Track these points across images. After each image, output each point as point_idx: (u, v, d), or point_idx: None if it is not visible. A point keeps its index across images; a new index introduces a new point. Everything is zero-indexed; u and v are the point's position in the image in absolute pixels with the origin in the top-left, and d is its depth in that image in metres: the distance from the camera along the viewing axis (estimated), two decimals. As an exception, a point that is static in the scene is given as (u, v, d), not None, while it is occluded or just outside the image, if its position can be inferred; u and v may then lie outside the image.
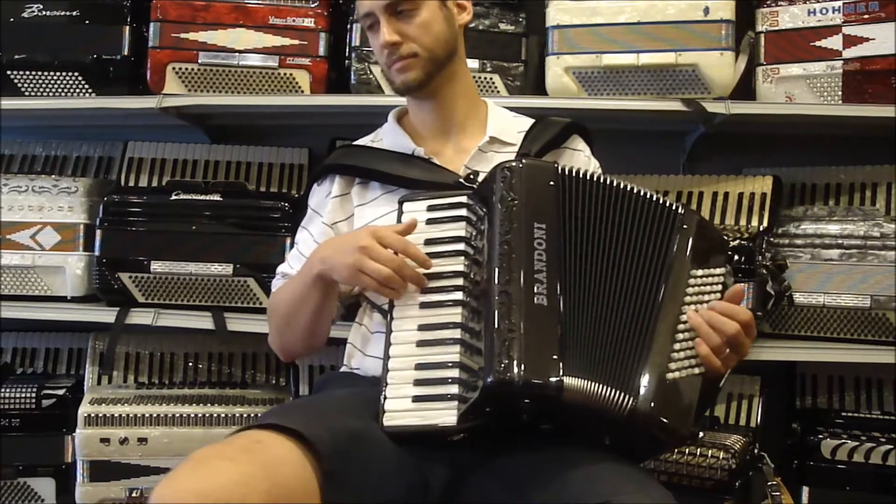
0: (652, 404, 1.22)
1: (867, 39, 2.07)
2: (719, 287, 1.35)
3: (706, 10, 2.08)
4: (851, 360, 2.10)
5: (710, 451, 1.83)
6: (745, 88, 2.19)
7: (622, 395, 1.22)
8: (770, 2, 2.16)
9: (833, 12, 2.10)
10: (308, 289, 1.47)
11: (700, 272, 1.33)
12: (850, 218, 2.09)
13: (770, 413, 2.21)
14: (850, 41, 2.09)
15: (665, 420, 1.23)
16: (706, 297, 1.33)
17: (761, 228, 2.13)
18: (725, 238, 1.43)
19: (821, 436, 2.05)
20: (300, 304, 1.50)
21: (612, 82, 2.15)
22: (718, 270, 1.36)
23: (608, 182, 1.35)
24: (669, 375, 1.25)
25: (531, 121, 1.65)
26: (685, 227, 1.35)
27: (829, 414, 2.18)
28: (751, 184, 2.25)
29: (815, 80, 2.13)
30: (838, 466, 2.02)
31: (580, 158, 1.63)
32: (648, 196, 1.36)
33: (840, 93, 2.10)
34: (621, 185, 1.36)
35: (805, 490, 2.05)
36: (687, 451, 1.84)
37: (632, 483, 1.18)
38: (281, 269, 1.65)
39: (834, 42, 2.10)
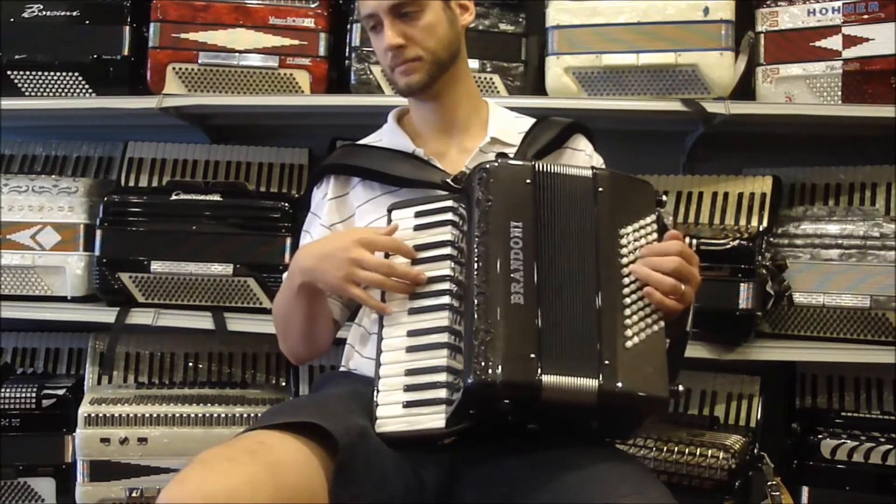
0: (619, 384, 1.20)
1: (867, 40, 2.07)
2: (654, 235, 1.34)
3: (706, 11, 2.08)
4: (851, 360, 2.10)
5: (710, 451, 1.84)
6: (744, 88, 2.19)
7: (589, 381, 1.21)
8: (770, 2, 2.16)
9: (833, 12, 2.10)
10: (294, 299, 1.47)
11: (630, 228, 1.32)
12: (850, 218, 2.09)
13: (770, 413, 2.22)
14: (850, 41, 2.09)
15: (637, 392, 1.21)
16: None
17: (761, 228, 2.13)
18: (647, 182, 1.40)
19: (820, 436, 2.05)
20: (291, 312, 1.51)
21: (612, 82, 2.15)
22: (648, 219, 1.35)
23: (573, 173, 1.35)
24: (628, 344, 1.24)
25: (532, 121, 1.64)
26: (601, 189, 1.33)
27: (829, 414, 2.18)
28: (751, 184, 2.26)
29: (815, 81, 2.13)
30: (838, 466, 2.02)
31: (581, 157, 1.62)
32: (574, 174, 1.35)
33: (840, 93, 2.10)
34: (574, 172, 1.35)
35: (805, 490, 2.06)
36: (687, 450, 1.84)
37: (629, 484, 1.18)
38: (286, 275, 1.64)
39: (834, 42, 2.10)
